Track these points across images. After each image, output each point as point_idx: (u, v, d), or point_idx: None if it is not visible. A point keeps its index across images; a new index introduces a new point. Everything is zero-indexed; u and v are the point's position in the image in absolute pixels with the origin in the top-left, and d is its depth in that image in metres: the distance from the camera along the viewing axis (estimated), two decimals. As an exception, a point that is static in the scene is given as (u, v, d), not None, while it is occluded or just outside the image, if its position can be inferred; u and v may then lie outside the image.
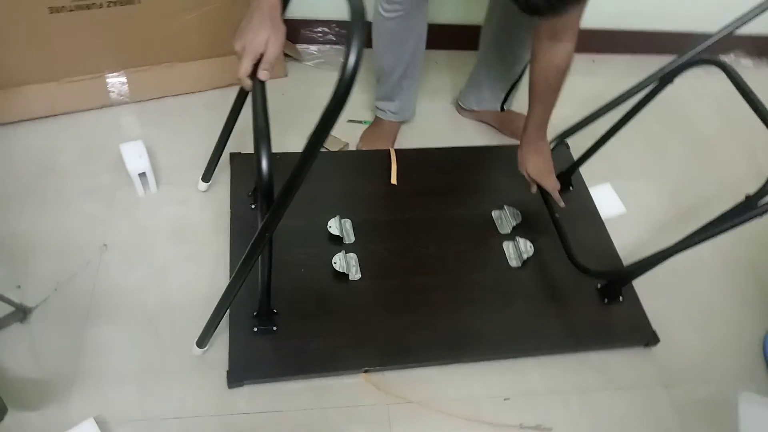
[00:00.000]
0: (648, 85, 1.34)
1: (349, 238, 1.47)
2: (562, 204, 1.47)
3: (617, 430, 1.29)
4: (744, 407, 1.33)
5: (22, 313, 1.30)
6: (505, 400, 1.30)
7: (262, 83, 1.04)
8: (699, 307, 1.52)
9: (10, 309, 1.29)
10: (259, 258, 1.08)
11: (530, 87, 1.41)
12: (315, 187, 1.59)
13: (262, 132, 0.97)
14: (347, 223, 1.50)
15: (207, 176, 1.56)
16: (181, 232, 1.50)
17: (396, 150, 1.69)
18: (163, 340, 1.31)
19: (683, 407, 1.34)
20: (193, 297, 1.37)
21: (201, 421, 1.21)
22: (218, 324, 1.21)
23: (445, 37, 2.02)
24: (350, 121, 1.82)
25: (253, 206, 1.50)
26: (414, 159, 1.69)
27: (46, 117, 1.67)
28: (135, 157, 1.50)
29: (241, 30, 1.05)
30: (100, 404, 1.20)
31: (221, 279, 1.38)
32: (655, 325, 1.42)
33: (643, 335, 1.41)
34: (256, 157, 0.95)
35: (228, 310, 1.30)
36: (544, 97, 1.40)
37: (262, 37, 1.02)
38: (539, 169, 1.47)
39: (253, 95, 1.04)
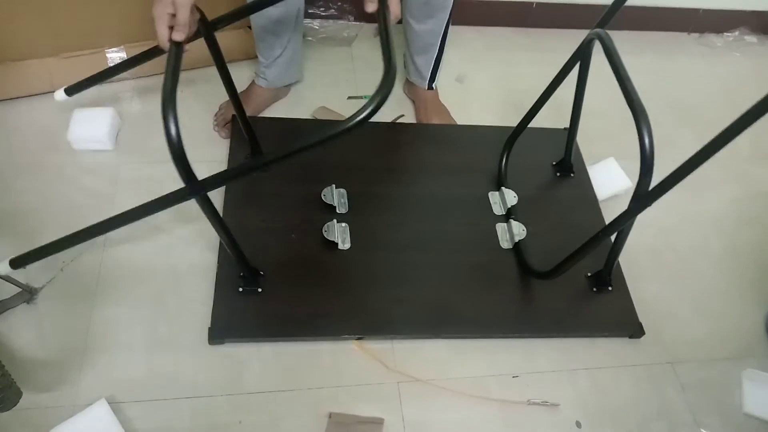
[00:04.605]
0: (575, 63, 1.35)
1: (343, 207, 1.46)
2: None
3: (623, 406, 1.31)
4: (748, 383, 1.36)
5: (28, 293, 1.29)
6: (513, 377, 1.32)
7: (177, 48, 0.99)
8: (703, 287, 1.54)
9: (16, 289, 1.27)
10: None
11: None
12: (312, 155, 1.57)
13: (168, 95, 0.90)
14: (342, 193, 1.48)
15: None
16: (187, 209, 1.48)
17: (398, 123, 1.67)
18: (171, 318, 1.30)
19: (688, 384, 1.36)
20: (199, 271, 1.36)
21: (212, 400, 1.21)
22: None
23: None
24: (350, 97, 1.80)
25: None
26: (415, 134, 1.68)
27: (46, 93, 1.63)
28: (138, 134, 1.48)
29: None
30: (111, 384, 1.20)
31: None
32: (660, 305, 1.43)
33: (628, 327, 1.40)
34: (163, 121, 0.88)
35: (216, 270, 1.32)
36: None
37: None
38: None
39: (167, 58, 0.98)
